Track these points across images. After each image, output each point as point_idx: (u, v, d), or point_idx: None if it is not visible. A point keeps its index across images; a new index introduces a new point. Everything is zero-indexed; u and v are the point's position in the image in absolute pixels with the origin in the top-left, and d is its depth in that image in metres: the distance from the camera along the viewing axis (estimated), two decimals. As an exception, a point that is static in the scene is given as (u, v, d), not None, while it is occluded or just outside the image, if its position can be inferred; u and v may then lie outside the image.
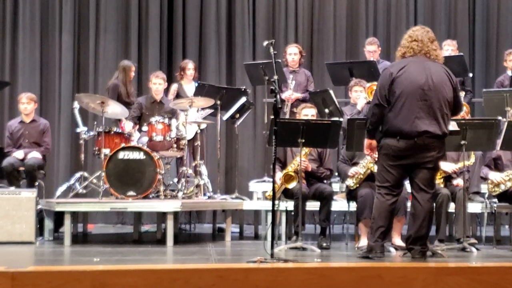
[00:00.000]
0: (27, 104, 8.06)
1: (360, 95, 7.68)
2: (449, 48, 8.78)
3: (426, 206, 5.67)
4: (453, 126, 6.09)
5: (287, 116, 8.05)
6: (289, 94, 8.38)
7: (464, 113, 7.59)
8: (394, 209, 5.78)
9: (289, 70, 8.58)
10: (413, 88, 5.54)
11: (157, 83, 8.36)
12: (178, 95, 8.53)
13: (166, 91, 8.72)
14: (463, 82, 8.65)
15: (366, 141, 5.78)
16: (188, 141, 8.07)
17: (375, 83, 7.54)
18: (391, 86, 5.57)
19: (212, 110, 8.19)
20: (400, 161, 5.61)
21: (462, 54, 8.74)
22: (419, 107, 5.53)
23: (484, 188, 7.36)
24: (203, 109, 8.21)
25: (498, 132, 6.56)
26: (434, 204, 6.64)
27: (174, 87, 8.71)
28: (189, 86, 8.60)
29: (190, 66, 8.74)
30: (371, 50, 8.63)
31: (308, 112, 7.06)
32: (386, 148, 5.62)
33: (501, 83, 8.40)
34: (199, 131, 8.18)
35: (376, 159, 5.96)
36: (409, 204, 6.91)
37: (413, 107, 5.53)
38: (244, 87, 8.65)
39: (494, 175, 6.85)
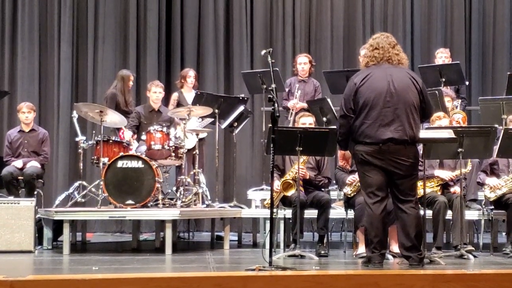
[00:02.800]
0: (27, 113, 8.09)
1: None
2: (443, 55, 8.83)
3: (413, 213, 5.68)
4: (449, 133, 6.13)
5: (291, 125, 8.08)
6: (294, 102, 8.43)
7: (461, 120, 7.65)
8: (385, 216, 5.74)
9: (298, 79, 8.64)
10: (375, 96, 5.59)
11: (156, 91, 8.39)
12: (178, 104, 8.55)
13: (166, 100, 8.75)
14: (458, 89, 8.69)
15: (339, 152, 5.95)
16: (189, 150, 8.10)
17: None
18: (355, 96, 5.65)
19: (212, 119, 8.22)
20: (372, 164, 5.61)
21: (458, 62, 8.78)
22: (383, 114, 5.58)
23: (481, 195, 7.38)
24: (202, 118, 8.25)
25: (494, 140, 6.58)
26: (431, 212, 6.69)
27: (174, 96, 8.74)
28: (190, 95, 8.62)
29: (191, 74, 8.78)
30: None
31: (306, 121, 7.10)
32: (358, 155, 5.69)
33: None
34: (197, 139, 8.21)
35: (349, 167, 6.06)
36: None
37: (377, 114, 5.58)
38: (242, 95, 8.67)
39: (491, 181, 6.88)
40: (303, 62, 8.67)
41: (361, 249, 6.51)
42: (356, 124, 5.65)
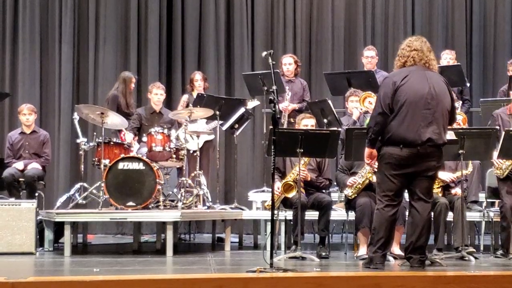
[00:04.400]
0: (28, 115, 8.10)
1: (357, 105, 7.71)
2: (448, 57, 8.83)
3: (425, 215, 5.68)
4: (450, 135, 6.13)
5: (284, 127, 8.07)
6: (286, 105, 8.41)
7: (462, 122, 7.64)
8: (395, 220, 5.75)
9: (285, 79, 8.63)
10: (417, 97, 5.55)
11: (158, 93, 8.40)
12: (187, 106, 8.55)
13: (167, 102, 8.75)
14: (461, 91, 8.70)
15: (367, 150, 5.74)
16: (194, 151, 8.11)
17: (369, 93, 7.61)
18: (394, 95, 5.57)
19: (221, 122, 8.18)
20: (402, 170, 5.59)
21: (459, 63, 8.78)
22: (422, 116, 5.55)
23: (482, 197, 7.39)
24: (208, 119, 8.26)
25: (495, 142, 6.58)
26: (432, 213, 6.69)
27: (184, 98, 8.77)
28: None
29: (197, 77, 8.79)
30: (369, 55, 8.68)
31: (307, 123, 7.10)
32: (388, 157, 5.60)
33: (504, 92, 8.42)
34: (200, 142, 8.22)
35: (376, 169, 5.95)
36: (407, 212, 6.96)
37: (417, 116, 5.54)
38: (244, 98, 8.66)
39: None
40: (287, 62, 8.67)
41: (362, 250, 6.51)
42: (393, 124, 5.56)
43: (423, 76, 5.63)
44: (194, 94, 8.67)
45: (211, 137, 8.58)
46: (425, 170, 5.62)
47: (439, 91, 5.62)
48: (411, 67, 5.69)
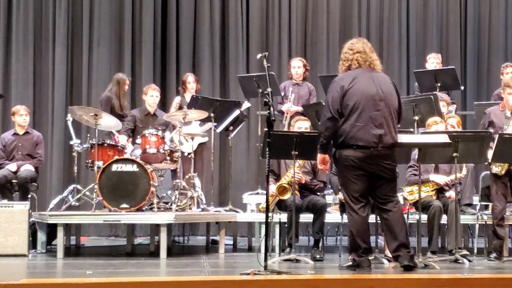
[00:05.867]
0: (25, 116, 8.11)
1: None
2: (434, 61, 8.86)
3: (397, 213, 5.73)
4: (444, 138, 6.14)
5: (286, 128, 8.08)
6: (288, 106, 8.43)
7: (456, 125, 7.65)
8: (368, 220, 5.79)
9: (292, 82, 8.64)
10: (366, 99, 5.63)
11: (153, 95, 8.39)
12: (180, 108, 8.54)
13: (161, 104, 8.74)
14: (448, 94, 8.70)
15: (320, 156, 5.84)
16: (189, 153, 8.10)
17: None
18: (343, 99, 5.64)
19: (215, 124, 8.18)
20: (361, 170, 5.66)
21: (453, 67, 8.80)
22: (372, 118, 5.62)
23: (475, 200, 7.40)
24: (201, 122, 8.25)
25: (489, 145, 6.59)
26: (426, 216, 6.70)
27: (177, 99, 8.75)
28: None
29: (190, 79, 8.78)
30: None
31: (302, 125, 7.10)
32: (345, 160, 5.68)
33: (498, 96, 8.44)
34: (194, 144, 8.21)
35: (336, 173, 5.97)
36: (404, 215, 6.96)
37: (367, 117, 5.62)
38: (239, 100, 8.65)
39: None
40: (297, 66, 8.69)
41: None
42: (345, 127, 5.64)
43: (370, 78, 5.71)
44: (187, 96, 8.66)
45: (205, 139, 8.57)
46: (382, 171, 5.68)
47: (386, 91, 5.70)
48: (356, 69, 5.77)
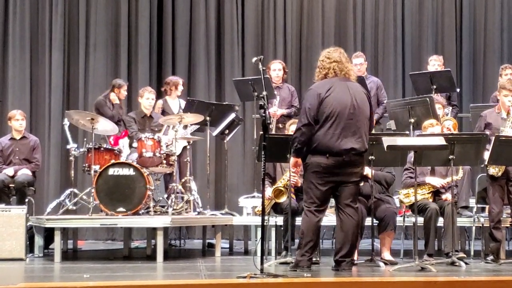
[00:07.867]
0: (21, 120, 8.12)
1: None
2: (436, 63, 8.84)
3: (355, 219, 5.87)
4: (440, 140, 6.15)
5: (273, 132, 8.07)
6: (274, 110, 8.41)
7: (452, 127, 7.67)
8: (320, 226, 5.93)
9: (273, 86, 8.63)
10: (341, 108, 5.76)
11: (149, 98, 8.42)
12: (163, 112, 8.56)
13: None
14: (449, 96, 8.71)
15: (293, 160, 5.94)
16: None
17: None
18: (319, 107, 5.76)
19: (198, 126, 8.20)
20: (329, 177, 5.79)
21: (449, 69, 8.81)
22: (346, 126, 5.76)
23: (472, 202, 7.40)
24: (190, 124, 8.25)
25: (486, 147, 6.59)
26: (423, 219, 6.70)
27: (159, 104, 8.75)
28: (174, 102, 8.66)
29: (181, 82, 8.80)
30: (358, 62, 8.67)
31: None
32: (316, 166, 5.79)
33: (496, 98, 8.45)
34: (188, 146, 8.21)
35: (303, 177, 6.03)
36: (398, 218, 6.97)
37: (342, 126, 5.75)
38: (234, 104, 8.66)
39: None
40: (277, 68, 8.65)
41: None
42: (319, 134, 5.76)
43: (345, 87, 5.85)
44: (169, 99, 8.66)
45: (185, 142, 8.42)
46: (350, 177, 5.83)
47: (360, 101, 5.85)
48: (332, 78, 5.90)
